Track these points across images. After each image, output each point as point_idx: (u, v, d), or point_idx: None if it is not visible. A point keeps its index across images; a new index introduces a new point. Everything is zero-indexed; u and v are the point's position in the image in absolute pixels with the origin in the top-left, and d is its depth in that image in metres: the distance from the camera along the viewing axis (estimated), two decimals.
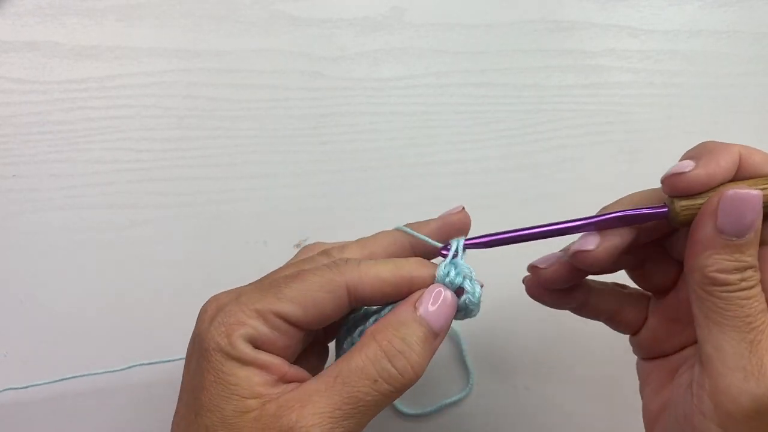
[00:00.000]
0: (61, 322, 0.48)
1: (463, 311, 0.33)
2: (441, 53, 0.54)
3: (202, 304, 0.33)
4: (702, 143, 0.33)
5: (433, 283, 0.32)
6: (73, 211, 0.50)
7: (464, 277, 0.32)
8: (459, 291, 0.32)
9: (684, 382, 0.32)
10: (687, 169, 0.30)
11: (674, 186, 0.31)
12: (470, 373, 0.48)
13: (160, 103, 0.52)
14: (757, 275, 0.29)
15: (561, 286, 0.36)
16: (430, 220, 0.36)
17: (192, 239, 0.50)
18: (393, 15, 0.55)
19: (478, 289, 0.32)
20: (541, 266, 0.35)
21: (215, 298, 0.33)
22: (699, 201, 0.31)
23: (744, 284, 0.29)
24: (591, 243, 0.32)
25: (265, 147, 0.52)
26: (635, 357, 0.38)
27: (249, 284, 0.34)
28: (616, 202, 0.34)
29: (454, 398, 0.48)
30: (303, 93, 0.53)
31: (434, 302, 0.31)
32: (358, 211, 0.51)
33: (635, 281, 0.38)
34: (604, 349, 0.49)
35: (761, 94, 0.54)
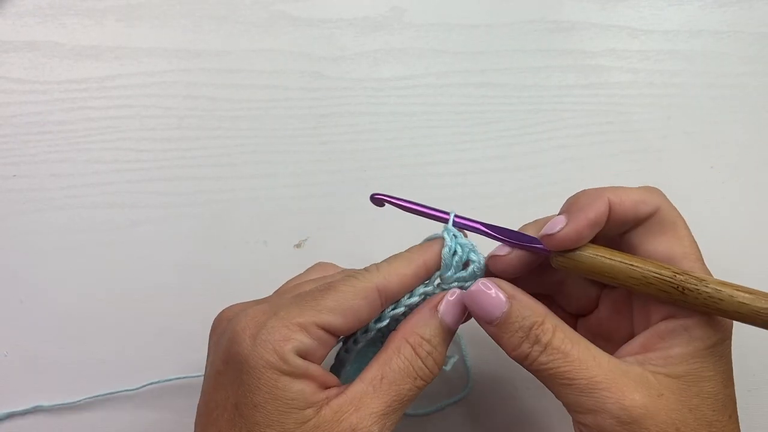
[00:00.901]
0: (61, 322, 0.48)
1: (472, 279, 0.36)
2: (441, 53, 0.54)
3: (215, 317, 0.36)
4: (576, 195, 0.36)
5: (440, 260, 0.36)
6: (73, 211, 0.50)
7: (469, 251, 0.36)
8: (466, 264, 0.36)
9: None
10: (556, 230, 0.33)
11: (551, 245, 0.34)
12: (470, 373, 0.48)
13: (160, 103, 0.52)
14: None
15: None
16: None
17: (192, 239, 0.50)
18: (393, 15, 0.55)
19: (481, 257, 0.36)
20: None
21: (246, 312, 0.33)
22: (575, 257, 0.34)
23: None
24: (504, 249, 0.36)
25: (265, 147, 0.52)
26: None
27: (277, 298, 0.36)
28: (533, 223, 0.37)
29: (454, 398, 0.48)
30: (303, 93, 0.53)
31: (447, 303, 0.35)
32: (358, 211, 0.51)
33: (560, 305, 0.41)
34: None
35: (761, 94, 0.54)
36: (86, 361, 0.48)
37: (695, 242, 0.35)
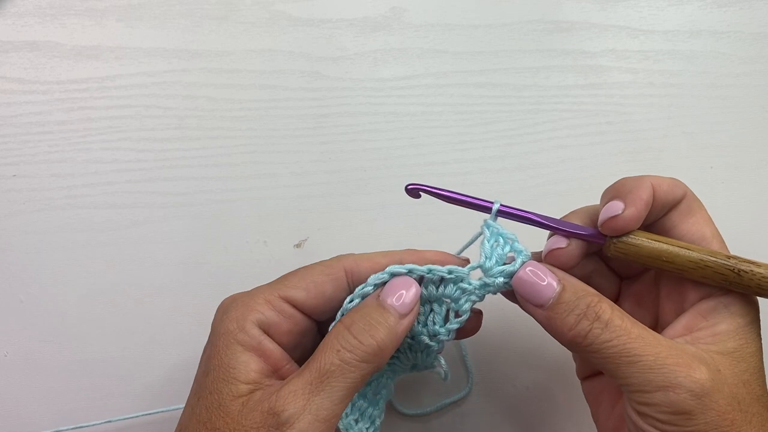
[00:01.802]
0: (61, 322, 0.48)
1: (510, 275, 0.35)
2: (441, 53, 0.54)
3: (217, 306, 0.36)
4: (617, 183, 0.36)
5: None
6: (73, 211, 0.50)
7: (513, 242, 0.36)
8: (509, 259, 0.36)
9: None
10: (619, 211, 0.33)
11: (614, 228, 0.34)
12: (470, 373, 0.48)
13: (160, 103, 0.52)
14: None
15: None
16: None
17: (192, 239, 0.50)
18: (393, 15, 0.55)
19: (525, 249, 0.36)
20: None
21: (231, 296, 0.36)
22: (634, 242, 0.34)
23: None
24: (562, 241, 0.35)
25: (265, 147, 0.52)
26: None
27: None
28: (573, 213, 0.38)
29: (454, 398, 0.48)
30: (303, 93, 0.53)
31: (398, 290, 0.34)
32: (358, 211, 0.51)
33: None
34: None
35: (761, 94, 0.54)
36: (86, 361, 0.48)
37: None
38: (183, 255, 0.50)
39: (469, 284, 0.35)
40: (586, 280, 0.39)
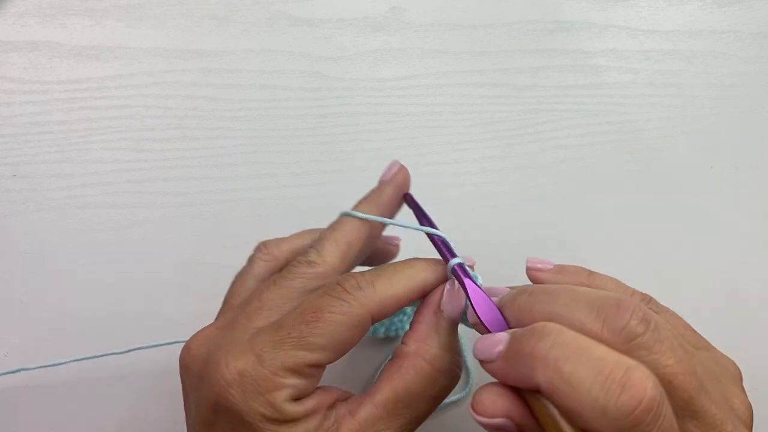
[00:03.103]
0: (61, 322, 0.48)
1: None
2: (441, 53, 0.54)
3: (182, 352, 0.32)
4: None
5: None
6: (73, 211, 0.50)
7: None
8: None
9: None
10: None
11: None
12: (470, 373, 0.48)
13: (160, 103, 0.52)
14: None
15: None
16: (376, 191, 0.37)
17: (192, 239, 0.50)
18: (393, 15, 0.55)
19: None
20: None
21: (223, 358, 0.29)
22: None
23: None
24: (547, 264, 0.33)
25: (265, 147, 0.52)
26: None
27: (247, 320, 0.31)
28: None
29: (454, 398, 0.48)
30: (303, 93, 0.53)
31: (450, 298, 0.31)
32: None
33: None
34: None
35: (761, 94, 0.54)
36: (85, 361, 0.48)
37: None
38: (183, 255, 0.50)
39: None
40: None
